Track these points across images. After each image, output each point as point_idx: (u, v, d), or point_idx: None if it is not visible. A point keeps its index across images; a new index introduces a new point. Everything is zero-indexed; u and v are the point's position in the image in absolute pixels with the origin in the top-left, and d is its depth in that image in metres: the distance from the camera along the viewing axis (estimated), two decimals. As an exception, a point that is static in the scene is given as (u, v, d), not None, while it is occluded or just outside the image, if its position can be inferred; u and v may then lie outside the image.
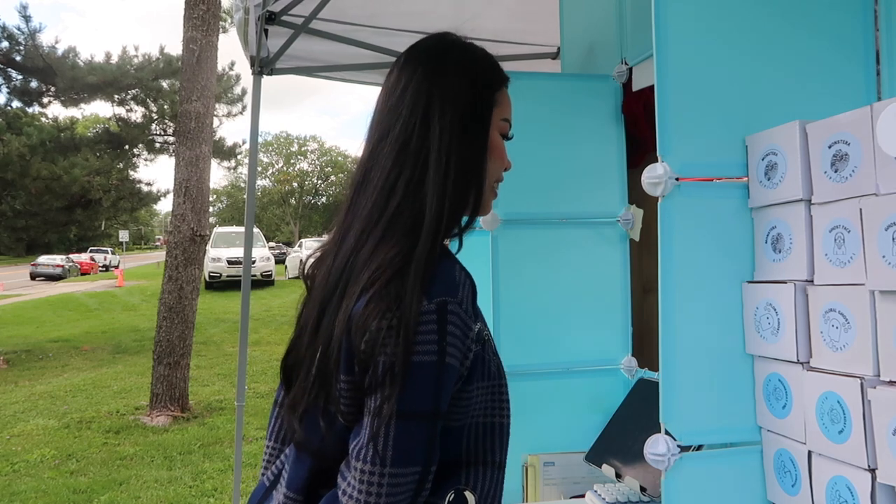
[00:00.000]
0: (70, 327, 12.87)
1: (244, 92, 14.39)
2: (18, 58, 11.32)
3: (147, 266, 34.97)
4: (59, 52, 11.81)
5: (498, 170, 1.00)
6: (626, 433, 1.58)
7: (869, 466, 0.85)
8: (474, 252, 2.28)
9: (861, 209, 0.86)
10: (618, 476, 1.50)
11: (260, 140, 3.50)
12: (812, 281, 0.95)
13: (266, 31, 2.72)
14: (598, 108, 1.82)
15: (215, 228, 20.25)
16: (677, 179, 1.02)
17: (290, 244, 40.95)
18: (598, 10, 1.92)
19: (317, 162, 56.38)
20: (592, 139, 1.81)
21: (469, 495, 0.90)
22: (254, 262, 3.34)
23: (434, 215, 0.88)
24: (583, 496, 1.57)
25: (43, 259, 29.64)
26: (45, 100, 12.31)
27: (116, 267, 32.08)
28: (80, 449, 5.49)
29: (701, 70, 1.05)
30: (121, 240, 43.99)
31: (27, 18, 11.26)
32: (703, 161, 1.05)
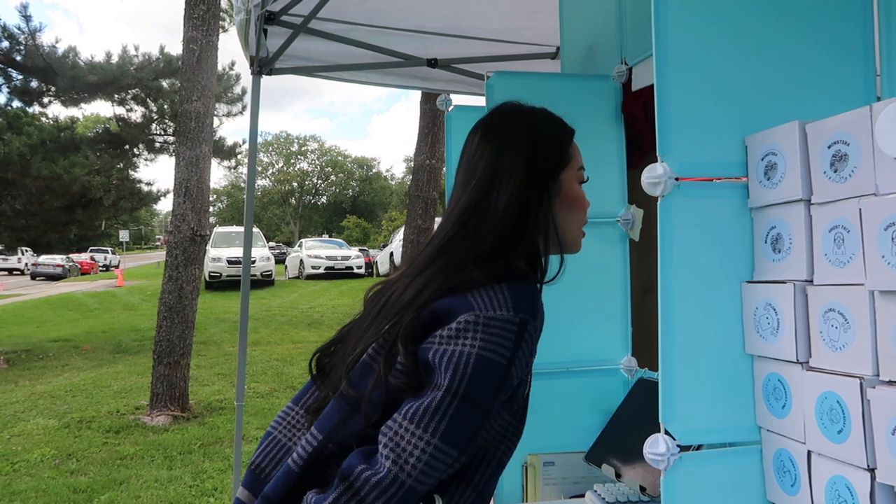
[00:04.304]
0: (70, 327, 12.88)
1: (244, 92, 14.36)
2: (19, 57, 11.31)
3: (147, 266, 34.97)
4: (60, 51, 11.81)
5: (580, 215, 1.14)
6: (625, 433, 1.58)
7: (868, 466, 0.85)
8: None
9: (860, 209, 0.86)
10: (617, 476, 1.51)
11: (260, 140, 3.50)
12: (811, 281, 0.95)
13: (265, 31, 2.73)
14: (598, 108, 1.82)
15: (215, 228, 20.22)
16: (677, 179, 1.02)
17: (290, 244, 40.94)
18: (598, 10, 1.92)
19: (317, 162, 56.30)
20: (592, 139, 1.81)
21: (437, 497, 0.96)
22: (254, 262, 3.33)
23: (519, 252, 1.03)
24: (583, 496, 1.57)
25: (43, 259, 29.63)
26: (46, 99, 12.30)
27: (117, 267, 32.07)
28: (80, 448, 5.49)
29: (700, 70, 1.05)
30: (121, 240, 43.98)
31: (27, 18, 11.26)
32: (703, 161, 1.05)
